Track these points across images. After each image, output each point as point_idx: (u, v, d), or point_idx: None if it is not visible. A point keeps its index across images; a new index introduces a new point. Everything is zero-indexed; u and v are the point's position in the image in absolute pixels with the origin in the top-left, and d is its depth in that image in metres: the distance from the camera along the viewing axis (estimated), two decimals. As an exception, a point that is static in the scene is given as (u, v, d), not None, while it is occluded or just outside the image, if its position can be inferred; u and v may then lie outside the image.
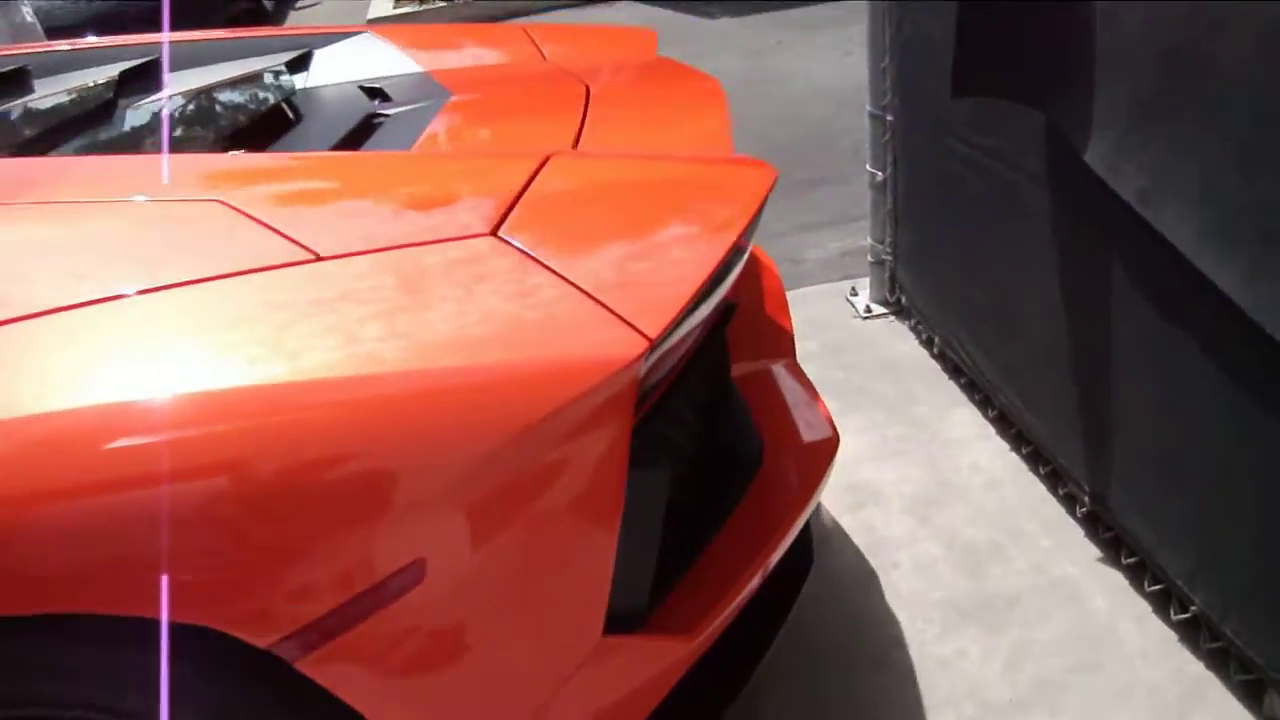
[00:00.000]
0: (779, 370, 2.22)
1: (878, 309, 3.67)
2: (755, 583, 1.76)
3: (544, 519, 1.45)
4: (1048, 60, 2.24)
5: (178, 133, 2.35)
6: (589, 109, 2.21)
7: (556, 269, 1.52)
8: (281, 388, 1.34)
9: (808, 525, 1.97)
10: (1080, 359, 2.43)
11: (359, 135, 2.19)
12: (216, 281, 1.50)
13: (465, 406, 1.39)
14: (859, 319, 3.66)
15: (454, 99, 2.35)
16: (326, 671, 1.37)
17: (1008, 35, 2.30)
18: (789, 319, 2.41)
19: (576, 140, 2.02)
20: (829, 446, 2.03)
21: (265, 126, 2.28)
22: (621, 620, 1.57)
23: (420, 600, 1.39)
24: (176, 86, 2.67)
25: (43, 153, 2.20)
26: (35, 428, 1.29)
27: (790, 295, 3.76)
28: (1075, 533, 2.55)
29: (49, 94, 2.61)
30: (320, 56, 2.76)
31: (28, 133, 2.37)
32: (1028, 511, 2.65)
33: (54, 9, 9.41)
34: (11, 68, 2.82)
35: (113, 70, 2.66)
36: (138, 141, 2.37)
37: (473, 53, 2.75)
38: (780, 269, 3.94)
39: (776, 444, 2.02)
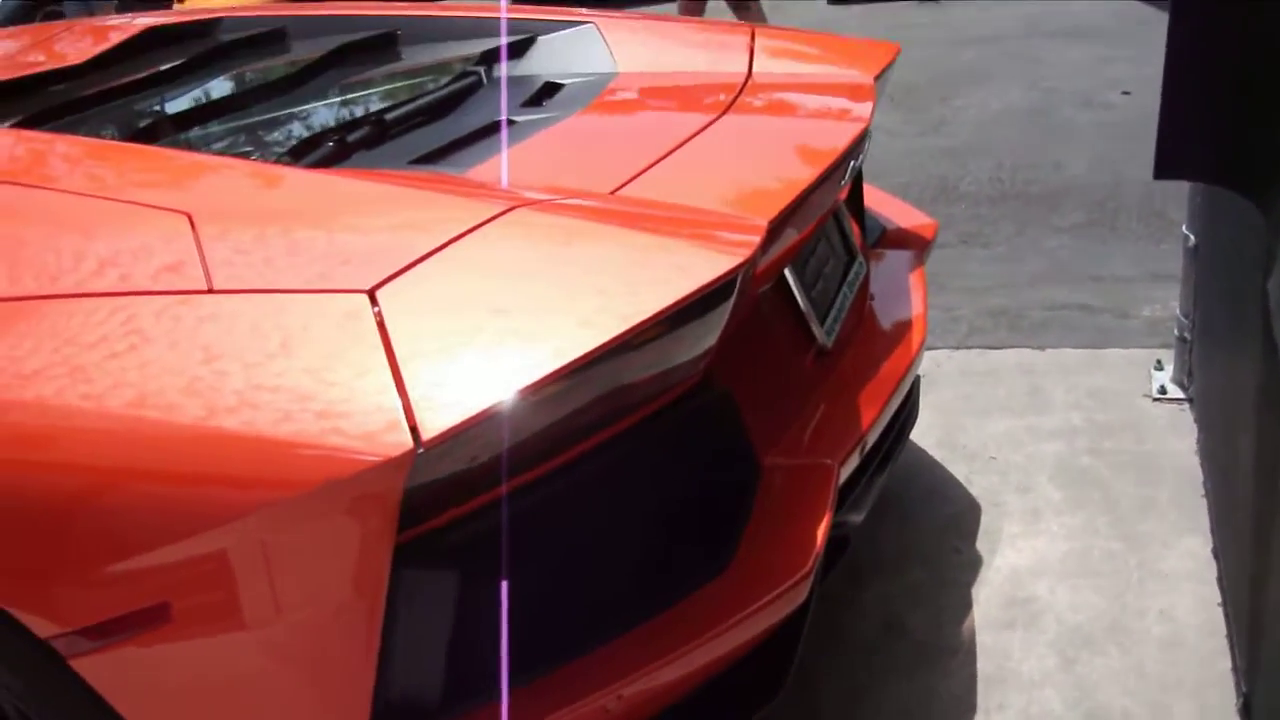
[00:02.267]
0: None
1: (1174, 391, 3.18)
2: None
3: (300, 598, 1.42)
4: (1261, 144, 1.83)
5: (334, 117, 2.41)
6: (697, 138, 2.04)
7: (395, 347, 1.40)
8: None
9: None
10: None
11: (468, 140, 2.13)
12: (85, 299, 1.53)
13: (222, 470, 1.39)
14: (1149, 399, 3.18)
15: (580, 113, 2.23)
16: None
17: (1217, 112, 1.90)
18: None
19: (640, 173, 1.87)
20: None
21: (397, 123, 2.25)
22: None
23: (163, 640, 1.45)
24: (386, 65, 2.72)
25: None
26: None
27: (1092, 355, 3.37)
28: (1224, 731, 2.11)
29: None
30: (541, 44, 2.70)
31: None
32: (1189, 689, 2.21)
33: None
34: (265, 29, 2.96)
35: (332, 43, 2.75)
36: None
37: (682, 54, 2.58)
38: (1099, 322, 3.54)
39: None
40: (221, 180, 1.89)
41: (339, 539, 1.39)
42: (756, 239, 1.61)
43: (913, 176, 4.73)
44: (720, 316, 1.57)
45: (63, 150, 2.12)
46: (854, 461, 1.95)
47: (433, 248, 1.54)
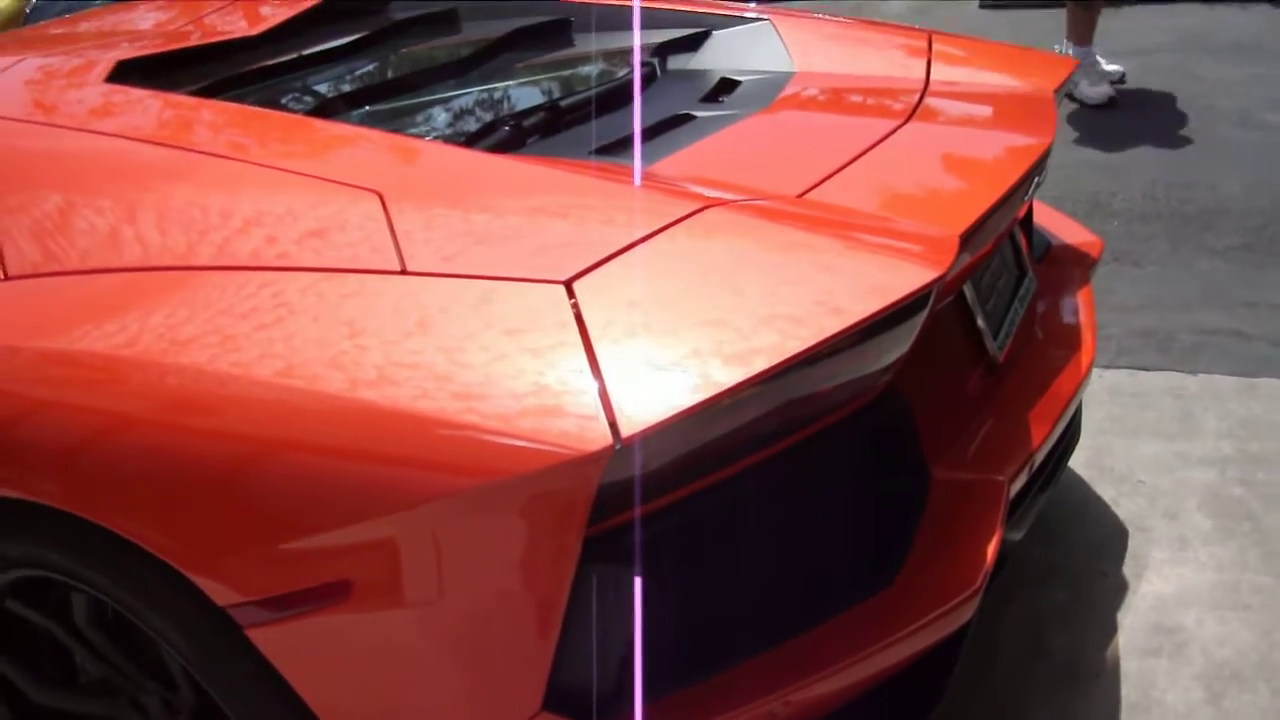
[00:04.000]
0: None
1: (1342, 424, 3.11)
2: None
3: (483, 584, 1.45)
4: None
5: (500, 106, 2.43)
6: (882, 144, 2.03)
7: (593, 343, 1.42)
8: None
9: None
10: None
11: (650, 133, 2.14)
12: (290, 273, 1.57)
13: (416, 453, 1.41)
14: (1310, 431, 3.11)
15: (761, 112, 2.23)
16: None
17: None
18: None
19: (827, 178, 1.87)
20: None
21: (573, 112, 2.28)
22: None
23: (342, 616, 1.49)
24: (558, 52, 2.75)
25: None
26: None
27: (1245, 383, 3.30)
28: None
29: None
30: (716, 39, 2.70)
31: None
32: (1341, 729, 2.17)
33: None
34: (438, 9, 2.99)
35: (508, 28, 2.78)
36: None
37: (858, 56, 2.57)
38: (1254, 349, 3.46)
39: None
40: (410, 160, 1.92)
41: (529, 530, 1.41)
42: (950, 254, 1.61)
43: (1065, 190, 4.65)
44: (911, 330, 1.57)
45: (245, 121, 2.16)
46: (1022, 479, 1.94)
47: (628, 242, 1.56)
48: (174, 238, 1.82)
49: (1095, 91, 5.44)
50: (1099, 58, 5.56)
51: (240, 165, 1.92)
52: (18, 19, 6.88)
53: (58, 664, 1.97)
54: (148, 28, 3.28)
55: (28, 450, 1.70)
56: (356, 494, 1.45)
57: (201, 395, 1.55)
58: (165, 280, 1.75)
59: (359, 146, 1.98)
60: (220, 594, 1.55)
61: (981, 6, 7.78)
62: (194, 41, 2.86)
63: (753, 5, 2.91)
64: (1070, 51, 5.29)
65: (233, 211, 1.82)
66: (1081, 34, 5.48)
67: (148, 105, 2.26)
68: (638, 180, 1.80)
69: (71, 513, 1.65)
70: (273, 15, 3.01)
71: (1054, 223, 2.82)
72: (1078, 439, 2.47)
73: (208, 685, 1.67)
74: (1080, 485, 2.92)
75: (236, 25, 3.06)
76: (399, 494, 1.43)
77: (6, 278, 1.91)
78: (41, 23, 4.28)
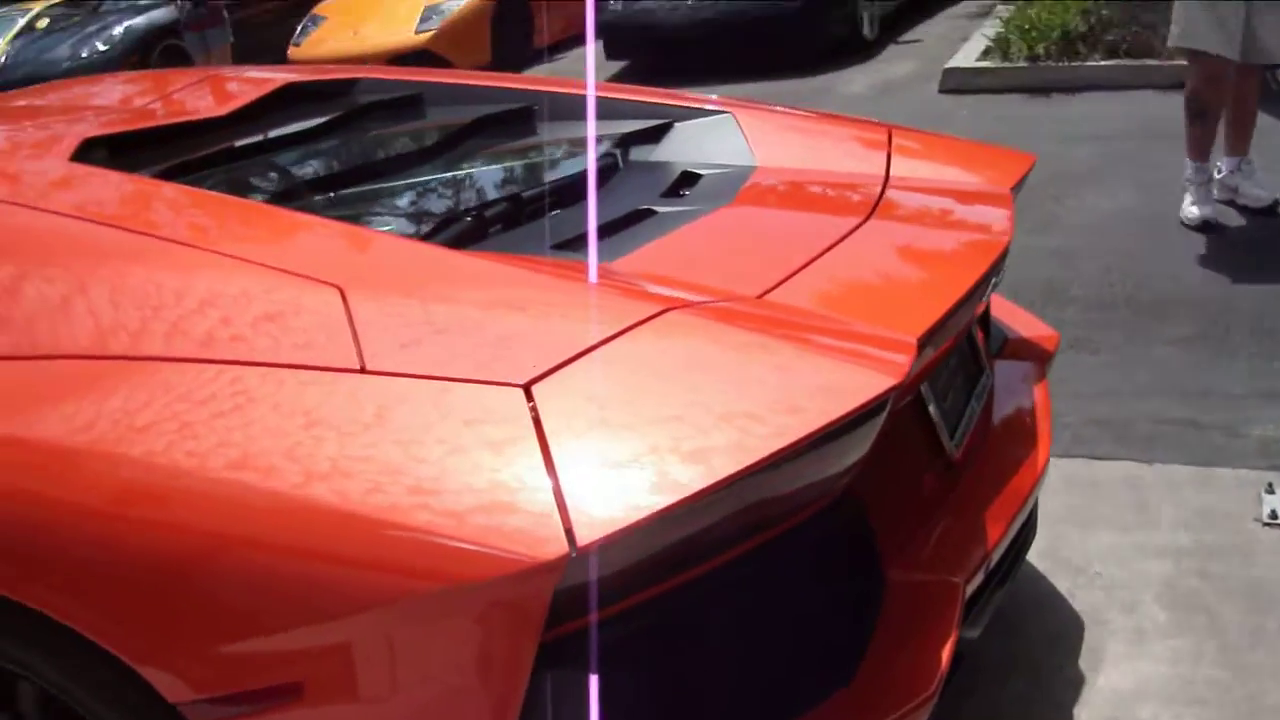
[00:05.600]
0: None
1: (1289, 517, 3.13)
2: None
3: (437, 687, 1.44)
4: None
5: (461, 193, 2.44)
6: (842, 243, 2.05)
7: (551, 446, 1.42)
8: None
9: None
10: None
11: (611, 228, 2.16)
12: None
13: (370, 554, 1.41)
14: (1259, 523, 3.13)
15: (722, 208, 2.25)
16: None
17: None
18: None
19: (788, 278, 1.89)
20: None
21: (535, 204, 2.29)
22: None
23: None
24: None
25: None
26: None
27: (1201, 473, 3.32)
28: None
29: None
30: (677, 130, 2.72)
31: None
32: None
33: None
34: (403, 94, 3.01)
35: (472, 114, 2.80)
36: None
37: (818, 150, 2.60)
38: (1209, 439, 3.49)
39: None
40: (371, 254, 1.93)
41: (484, 635, 1.41)
42: (908, 359, 1.62)
43: (1021, 276, 4.69)
44: (869, 435, 1.58)
45: (210, 207, 2.17)
46: (979, 579, 1.94)
47: (588, 345, 1.57)
48: (133, 325, 1.81)
49: (1257, 192, 5.20)
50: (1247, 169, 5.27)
51: (201, 253, 1.92)
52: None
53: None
54: (115, 102, 3.29)
55: None
56: (310, 594, 1.44)
57: (154, 486, 1.54)
58: (121, 368, 1.75)
59: (322, 237, 1.99)
60: (171, 690, 1.53)
61: (941, 91, 7.90)
62: (161, 120, 2.87)
63: (714, 97, 2.93)
64: (1191, 169, 5.07)
65: (189, 298, 1.82)
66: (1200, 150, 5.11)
67: (112, 186, 2.26)
68: (593, 277, 1.81)
69: (18, 601, 1.63)
70: (240, 94, 3.02)
71: (1010, 315, 2.85)
72: (1035, 533, 2.48)
73: None
74: (1037, 577, 2.93)
75: (204, 103, 3.07)
76: (353, 596, 1.42)
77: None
78: (7, 93, 4.27)
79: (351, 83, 3.20)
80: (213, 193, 2.23)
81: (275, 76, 3.22)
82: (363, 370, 1.58)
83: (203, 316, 1.78)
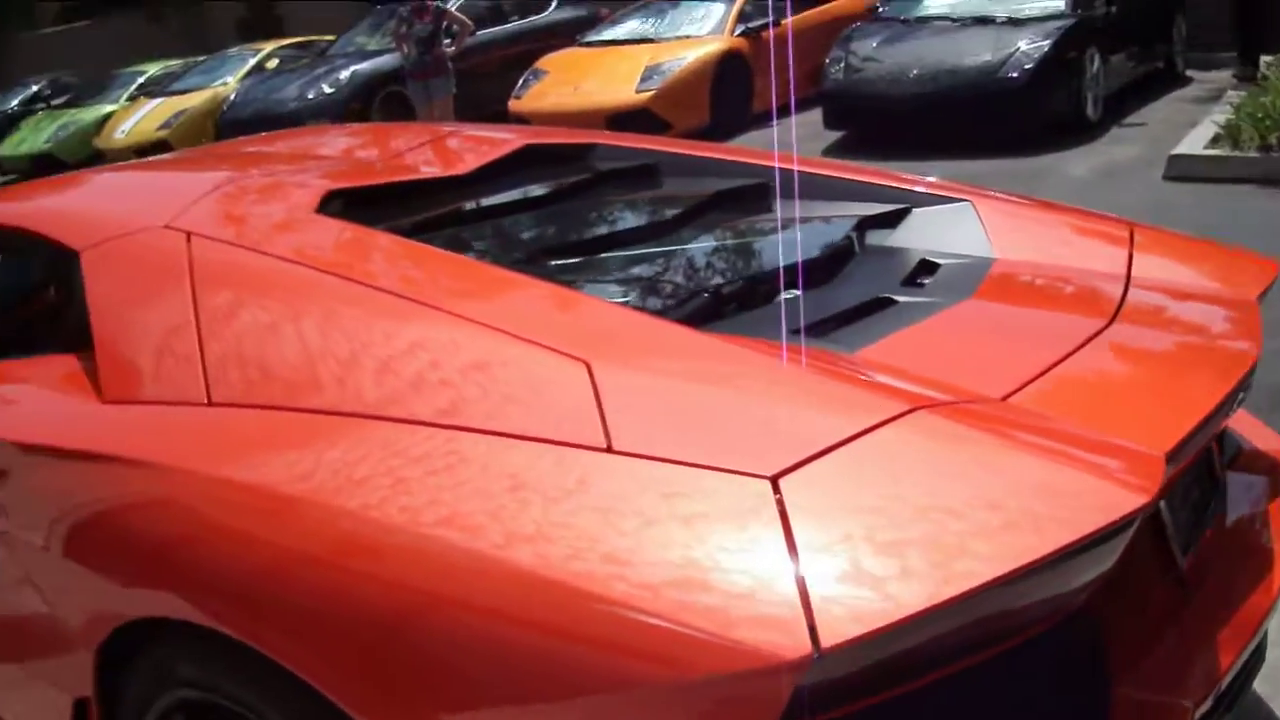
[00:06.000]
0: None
1: None
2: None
3: None
4: None
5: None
6: (1088, 345, 2.03)
7: (796, 541, 1.43)
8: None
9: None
10: None
11: (852, 315, 2.16)
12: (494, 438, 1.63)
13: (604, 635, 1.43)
14: None
15: (964, 301, 2.23)
16: None
17: None
18: None
19: (1032, 380, 1.87)
20: None
21: (772, 283, 2.31)
22: None
23: None
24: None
25: None
26: None
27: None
28: None
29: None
30: (915, 217, 2.72)
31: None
32: None
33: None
34: (640, 163, 3.07)
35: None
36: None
37: (1058, 244, 2.57)
38: None
39: None
40: (616, 328, 1.96)
41: None
42: (1158, 476, 1.59)
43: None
44: (1114, 551, 1.56)
45: (454, 268, 2.23)
46: (1207, 705, 1.88)
47: (835, 441, 1.57)
48: (375, 385, 1.88)
49: None
50: None
51: (445, 316, 1.98)
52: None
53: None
54: (355, 155, 3.41)
55: (201, 572, 1.79)
56: (537, 668, 1.47)
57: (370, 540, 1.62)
58: (357, 428, 1.82)
59: (567, 308, 2.04)
60: None
61: (1166, 178, 7.70)
62: (402, 175, 2.97)
63: (933, 179, 2.92)
64: None
65: (441, 365, 1.89)
66: None
67: (359, 241, 2.35)
68: (781, 356, 1.81)
69: (245, 643, 1.71)
70: (480, 154, 3.09)
71: (1242, 423, 2.76)
72: (1263, 659, 2.39)
73: None
74: (1257, 703, 2.82)
75: (444, 160, 3.17)
76: (575, 677, 1.44)
77: (210, 404, 2.01)
78: (232, 140, 4.46)
79: (589, 148, 3.27)
80: (457, 255, 2.29)
81: (511, 137, 3.32)
82: (609, 450, 1.61)
83: (446, 381, 1.85)
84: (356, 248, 2.32)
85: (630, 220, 2.81)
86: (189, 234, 2.40)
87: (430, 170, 2.96)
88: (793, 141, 2.82)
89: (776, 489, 1.49)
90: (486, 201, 2.83)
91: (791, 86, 7.54)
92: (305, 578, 1.67)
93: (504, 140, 3.23)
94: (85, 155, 17.11)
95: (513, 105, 11.58)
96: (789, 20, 11.54)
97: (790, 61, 10.83)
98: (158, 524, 1.93)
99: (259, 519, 1.77)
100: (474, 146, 3.24)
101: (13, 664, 2.47)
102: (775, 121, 9.09)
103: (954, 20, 9.97)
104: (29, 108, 21.41)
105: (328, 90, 13.85)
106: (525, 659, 1.48)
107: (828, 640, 1.33)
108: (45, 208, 3.10)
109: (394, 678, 1.58)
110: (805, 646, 1.33)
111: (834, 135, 10.03)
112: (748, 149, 3.20)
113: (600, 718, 1.45)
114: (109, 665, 2.06)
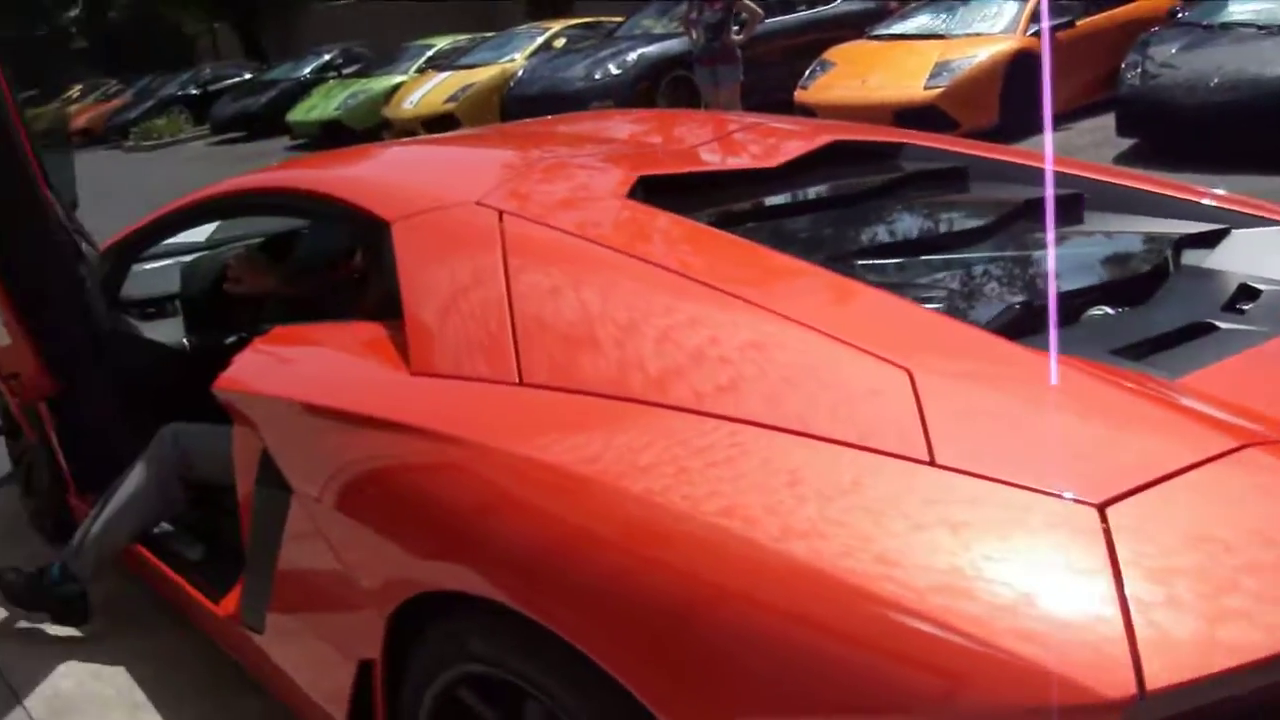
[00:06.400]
0: None
1: None
2: None
3: None
4: None
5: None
6: None
7: (1123, 574, 1.38)
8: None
9: None
10: None
11: (1172, 339, 2.08)
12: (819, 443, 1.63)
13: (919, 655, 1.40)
14: None
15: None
16: None
17: None
18: None
19: None
20: None
21: (1085, 299, 2.24)
22: None
23: None
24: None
25: None
26: None
27: None
28: None
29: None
30: (1234, 237, 2.59)
31: None
32: None
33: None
34: (948, 165, 3.00)
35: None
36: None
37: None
38: None
39: None
40: (934, 336, 1.92)
41: None
42: None
43: None
44: None
45: (767, 262, 2.23)
46: None
47: (1165, 472, 1.51)
48: (683, 380, 1.89)
49: None
50: None
51: (758, 310, 1.98)
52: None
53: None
54: (655, 141, 3.43)
55: (498, 548, 1.84)
56: (842, 680, 1.45)
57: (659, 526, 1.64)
58: (659, 418, 1.84)
59: (884, 311, 2.01)
60: None
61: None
62: (711, 165, 2.97)
63: (1221, 192, 2.77)
64: None
65: (758, 363, 1.88)
66: None
67: (671, 230, 2.37)
68: (1100, 376, 1.74)
69: (539, 623, 1.74)
70: (787, 147, 3.07)
71: None
72: None
73: None
74: None
75: (751, 151, 3.16)
76: (889, 694, 1.41)
77: (521, 383, 2.05)
78: (532, 119, 4.53)
79: (896, 147, 3.22)
80: (772, 249, 2.28)
81: (818, 132, 3.29)
82: (932, 463, 1.59)
83: (765, 379, 1.85)
84: (668, 236, 2.34)
85: (940, 224, 2.76)
86: (501, 212, 2.47)
87: (740, 161, 2.96)
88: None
89: (1103, 517, 1.44)
90: (796, 196, 2.82)
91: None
92: (599, 560, 1.70)
93: (812, 134, 3.20)
94: (373, 124, 17.86)
95: (799, 95, 11.53)
96: (1080, 22, 11.15)
97: (1070, 68, 10.43)
98: (461, 498, 1.98)
99: (558, 498, 1.81)
100: (782, 139, 3.22)
101: (300, 619, 2.59)
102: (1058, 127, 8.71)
103: (1259, 28, 9.42)
104: (321, 76, 22.51)
105: (614, 71, 14.05)
106: (811, 658, 1.47)
107: (1154, 682, 1.28)
108: (355, 177, 3.23)
109: (683, 667, 1.59)
110: (1130, 687, 1.28)
111: (1126, 142, 9.64)
112: (1066, 159, 3.09)
113: None
114: (398, 631, 2.14)
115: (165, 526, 3.70)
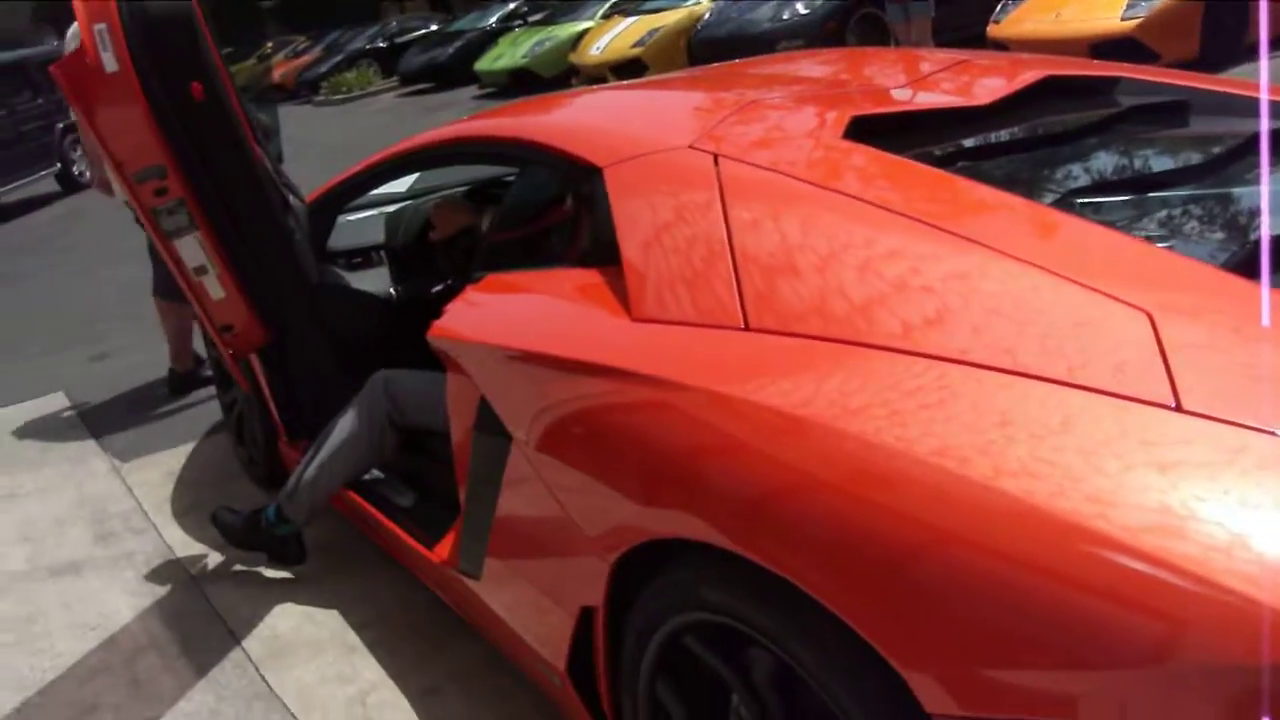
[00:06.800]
0: None
1: None
2: None
3: None
4: None
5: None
6: None
7: None
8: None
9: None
10: None
11: None
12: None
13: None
14: None
15: None
16: None
17: None
18: None
19: None
20: None
21: None
22: None
23: None
24: None
25: None
26: None
27: None
28: None
29: None
30: None
31: None
32: None
33: None
34: (1168, 99, 2.86)
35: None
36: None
37: None
38: None
39: None
40: (1172, 277, 1.84)
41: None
42: None
43: None
44: None
45: (989, 201, 2.15)
46: None
47: None
48: (938, 326, 1.85)
49: None
50: None
51: (993, 254, 1.92)
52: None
53: (712, 711, 2.07)
54: (864, 81, 3.34)
55: (724, 494, 1.82)
56: (1075, 630, 1.41)
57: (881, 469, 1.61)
58: (888, 361, 1.80)
59: (1117, 251, 1.92)
60: (934, 699, 1.54)
61: None
62: (922, 104, 2.89)
63: None
64: None
65: (979, 301, 1.82)
66: None
67: (891, 170, 2.30)
68: None
69: (775, 574, 1.72)
70: (998, 84, 2.96)
71: None
72: None
73: None
74: None
75: (961, 89, 3.05)
76: (1114, 639, 1.37)
77: (747, 328, 2.02)
78: (733, 61, 4.46)
79: (1112, 81, 3.09)
80: (996, 189, 2.20)
81: (1029, 67, 3.16)
82: (1178, 409, 1.53)
83: (995, 324, 1.78)
84: (888, 177, 2.27)
85: (1163, 160, 2.64)
86: (715, 155, 2.43)
87: (952, 100, 2.87)
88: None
89: None
90: (1013, 134, 2.72)
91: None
92: (821, 503, 1.67)
93: (1023, 70, 3.08)
94: (560, 71, 17.98)
95: (991, 30, 11.21)
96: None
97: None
98: (683, 444, 1.95)
99: (782, 442, 1.77)
100: (990, 75, 3.11)
101: (518, 565, 2.61)
102: (1265, 53, 8.30)
103: None
104: (506, 25, 22.72)
105: (802, 11, 13.90)
106: (1034, 602, 1.44)
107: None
108: (562, 123, 3.22)
109: (911, 611, 1.56)
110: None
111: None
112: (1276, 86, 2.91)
113: (1146, 693, 1.37)
114: (620, 578, 2.14)
115: (376, 473, 3.79)
